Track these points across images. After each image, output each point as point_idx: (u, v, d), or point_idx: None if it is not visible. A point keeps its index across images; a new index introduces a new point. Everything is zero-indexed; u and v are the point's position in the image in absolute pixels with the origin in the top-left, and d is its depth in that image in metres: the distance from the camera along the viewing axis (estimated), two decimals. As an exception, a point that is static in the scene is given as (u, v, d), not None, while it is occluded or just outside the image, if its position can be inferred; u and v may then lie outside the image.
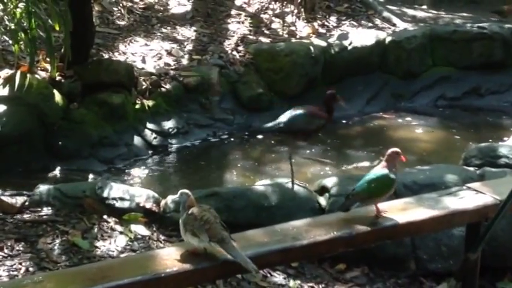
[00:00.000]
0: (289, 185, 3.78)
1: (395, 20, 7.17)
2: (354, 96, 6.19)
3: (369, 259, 3.52)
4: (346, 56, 6.19)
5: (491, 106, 6.20)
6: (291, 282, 3.28)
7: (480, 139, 5.12)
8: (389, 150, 2.86)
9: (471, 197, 2.94)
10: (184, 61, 5.89)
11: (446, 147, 5.41)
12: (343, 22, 6.96)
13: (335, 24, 6.89)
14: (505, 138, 4.99)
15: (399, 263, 3.53)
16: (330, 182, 3.79)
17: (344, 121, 5.94)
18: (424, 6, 8.17)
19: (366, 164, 5.08)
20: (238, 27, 6.55)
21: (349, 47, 6.23)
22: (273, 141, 5.52)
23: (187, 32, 6.35)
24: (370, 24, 6.99)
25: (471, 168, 3.96)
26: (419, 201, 2.91)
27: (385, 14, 7.29)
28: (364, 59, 6.25)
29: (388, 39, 6.39)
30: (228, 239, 2.35)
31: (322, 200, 3.72)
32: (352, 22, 6.99)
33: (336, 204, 3.54)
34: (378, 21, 7.10)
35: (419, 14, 7.83)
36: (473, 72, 6.37)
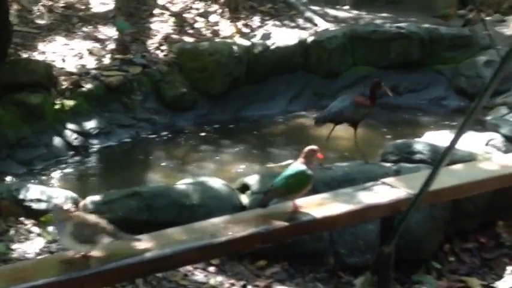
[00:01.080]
0: (211, 183, 3.80)
1: (317, 20, 7.28)
2: (277, 95, 6.27)
3: (289, 255, 3.57)
4: (269, 55, 6.25)
5: (409, 104, 6.37)
6: (212, 280, 3.30)
7: (398, 136, 5.25)
8: (307, 148, 2.92)
9: (385, 192, 3.02)
10: (106, 60, 5.82)
11: (366, 144, 5.50)
12: (267, 22, 7.03)
13: (258, 24, 6.95)
14: (422, 135, 5.14)
15: (318, 258, 3.60)
16: (251, 179, 3.83)
17: (266, 119, 6.01)
18: (346, 7, 8.33)
19: (290, 161, 5.14)
20: (161, 27, 6.52)
21: (272, 47, 6.29)
22: (196, 141, 5.53)
23: (110, 31, 6.28)
24: (293, 24, 7.09)
25: (388, 164, 4.06)
26: (335, 196, 2.98)
27: (308, 14, 7.40)
28: (287, 59, 6.33)
29: (310, 39, 6.49)
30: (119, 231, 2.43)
31: (244, 198, 3.75)
32: (275, 22, 7.06)
33: (256, 202, 3.58)
34: (300, 21, 7.20)
35: (341, 14, 7.98)
36: (392, 71, 6.51)
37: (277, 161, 5.14)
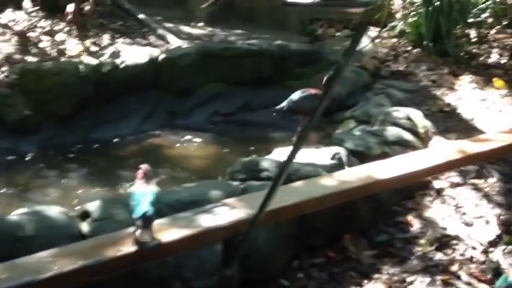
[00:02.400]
0: (48, 212, 3.57)
1: (170, 37, 7.19)
2: (129, 115, 6.10)
3: (133, 283, 3.40)
4: (119, 74, 6.07)
5: (261, 120, 6.37)
6: (47, 317, 3.08)
7: (251, 153, 5.23)
8: (144, 167, 2.84)
9: (225, 213, 2.97)
10: None
11: (219, 162, 5.48)
12: (117, 40, 6.85)
13: (108, 42, 6.75)
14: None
15: (164, 284, 3.45)
16: (92, 206, 3.63)
17: (118, 140, 5.82)
18: (201, 24, 8.30)
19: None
20: (2, 47, 6.17)
21: (122, 65, 6.12)
22: (40, 166, 5.26)
23: None
24: (145, 42, 6.95)
25: (235, 183, 4.01)
26: (173, 221, 2.88)
27: (160, 31, 7.29)
28: (138, 77, 6.17)
29: (162, 56, 6.37)
30: None
31: (84, 226, 3.55)
32: (126, 40, 6.90)
33: (98, 229, 3.40)
34: (152, 39, 7.08)
35: (196, 31, 7.94)
36: (244, 88, 6.53)
37: (127, 184, 4.96)
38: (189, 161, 5.58)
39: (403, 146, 4.65)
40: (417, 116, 5.16)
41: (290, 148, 4.44)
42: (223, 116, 6.45)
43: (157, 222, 2.83)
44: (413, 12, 7.52)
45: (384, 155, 4.31)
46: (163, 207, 3.57)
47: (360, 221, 4.21)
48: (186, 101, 6.39)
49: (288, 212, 3.11)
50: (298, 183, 3.37)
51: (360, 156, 4.33)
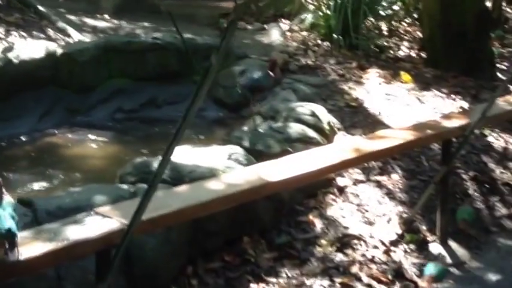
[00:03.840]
0: None
1: (71, 30, 6.85)
2: (24, 113, 5.73)
3: (6, 299, 3.13)
4: (12, 70, 5.69)
5: (168, 117, 6.13)
6: None
7: (155, 152, 4.98)
8: None
9: (97, 223, 2.72)
10: None
11: (120, 163, 5.20)
12: (12, 33, 6.46)
13: (2, 36, 6.35)
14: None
15: (41, 298, 3.21)
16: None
17: (11, 140, 5.47)
18: (106, 16, 7.97)
19: (34, 187, 4.71)
20: None
21: (16, 61, 5.74)
22: None
23: None
24: (43, 36, 6.59)
25: (125, 186, 3.76)
26: (37, 234, 2.61)
27: (61, 24, 6.93)
28: (34, 73, 5.81)
29: (60, 51, 6.03)
30: None
31: (-47, 238, 3.24)
32: (23, 33, 6.51)
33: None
34: (51, 33, 6.71)
35: (101, 24, 7.62)
36: (149, 83, 6.26)
37: (17, 188, 4.64)
38: (87, 162, 5.28)
39: (306, 143, 4.50)
40: (322, 111, 5.03)
41: (184, 147, 4.26)
42: (126, 112, 6.15)
43: (19, 236, 2.55)
44: (324, 5, 7.42)
45: (284, 153, 4.14)
46: (42, 215, 3.33)
47: (260, 222, 4.03)
48: (87, 98, 6.07)
49: (168, 220, 2.89)
50: (183, 187, 3.15)
51: (258, 155, 4.15)
